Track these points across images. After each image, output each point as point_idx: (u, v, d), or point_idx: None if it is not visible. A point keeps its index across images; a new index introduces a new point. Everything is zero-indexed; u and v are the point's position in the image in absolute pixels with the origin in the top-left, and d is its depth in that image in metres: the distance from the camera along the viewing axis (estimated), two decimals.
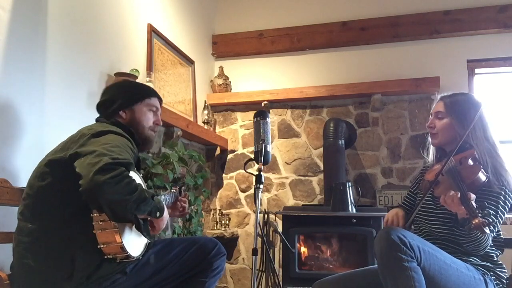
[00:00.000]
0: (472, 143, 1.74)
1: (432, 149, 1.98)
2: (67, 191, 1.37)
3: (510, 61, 3.54)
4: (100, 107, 1.77)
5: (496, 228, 1.68)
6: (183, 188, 1.98)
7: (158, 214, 1.42)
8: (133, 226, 1.43)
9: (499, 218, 1.65)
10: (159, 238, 2.49)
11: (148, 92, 1.82)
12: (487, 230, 1.43)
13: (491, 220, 1.48)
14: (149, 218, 1.49)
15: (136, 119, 1.74)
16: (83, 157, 1.33)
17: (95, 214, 1.34)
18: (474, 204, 1.49)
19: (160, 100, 1.86)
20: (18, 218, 1.47)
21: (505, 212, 1.68)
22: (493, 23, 3.52)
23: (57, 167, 1.44)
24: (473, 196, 1.52)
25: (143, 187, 1.56)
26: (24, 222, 1.43)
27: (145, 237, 1.46)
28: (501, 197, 1.67)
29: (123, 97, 1.75)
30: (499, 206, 1.66)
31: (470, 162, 1.69)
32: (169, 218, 1.73)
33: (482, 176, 1.62)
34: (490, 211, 1.57)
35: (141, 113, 1.75)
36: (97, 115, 1.78)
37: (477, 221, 1.43)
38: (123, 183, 1.28)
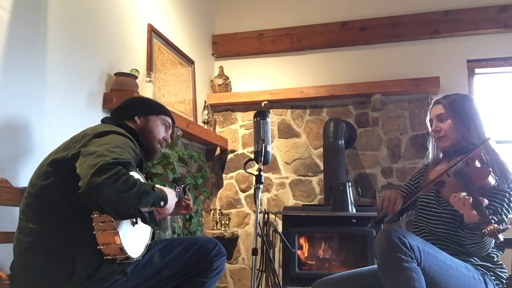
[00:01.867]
0: (476, 143, 1.73)
1: (431, 147, 1.97)
2: (69, 191, 1.36)
3: (510, 61, 3.54)
4: (116, 110, 1.85)
5: (505, 222, 1.67)
6: (187, 187, 1.99)
7: (162, 203, 1.44)
8: (133, 226, 1.43)
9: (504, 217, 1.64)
10: (159, 238, 2.50)
11: (166, 111, 1.91)
12: (501, 237, 1.41)
13: (504, 227, 1.45)
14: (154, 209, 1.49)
15: (149, 127, 1.80)
16: (83, 158, 1.33)
17: (95, 215, 1.34)
18: (487, 210, 1.47)
19: (173, 123, 1.95)
20: (19, 217, 1.47)
21: (508, 214, 1.67)
22: (493, 23, 3.52)
23: (60, 167, 1.44)
24: (486, 201, 1.51)
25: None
26: (25, 222, 1.43)
27: (153, 228, 1.45)
28: (506, 198, 1.67)
29: (142, 106, 1.85)
30: (504, 208, 1.65)
31: (478, 164, 1.66)
32: (169, 217, 1.74)
33: (491, 180, 1.60)
34: (504, 217, 1.56)
35: (155, 124, 1.82)
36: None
37: (491, 227, 1.41)
38: (120, 181, 1.28)
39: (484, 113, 1.83)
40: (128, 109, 1.83)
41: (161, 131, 1.84)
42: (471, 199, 1.51)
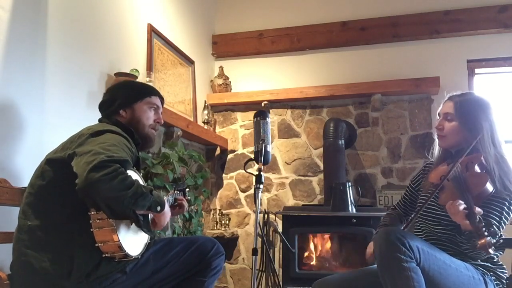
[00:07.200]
0: (479, 148, 1.70)
1: (437, 147, 1.95)
2: (67, 190, 1.37)
3: (510, 61, 3.54)
4: (101, 107, 1.78)
5: (498, 235, 1.65)
6: (187, 189, 1.98)
7: (159, 208, 1.42)
8: (132, 225, 1.43)
9: (502, 224, 1.63)
10: (159, 237, 2.50)
11: (148, 91, 1.82)
12: (491, 251, 1.39)
13: (496, 241, 1.43)
14: (150, 215, 1.49)
15: (136, 117, 1.74)
16: (79, 157, 1.34)
17: (92, 213, 1.34)
18: (482, 220, 1.45)
19: (162, 99, 1.86)
20: (19, 217, 1.48)
21: (508, 219, 1.65)
22: (493, 23, 3.52)
23: (57, 167, 1.45)
24: (478, 210, 1.49)
25: (141, 183, 1.55)
26: (24, 220, 1.44)
27: (146, 233, 1.45)
28: (506, 203, 1.65)
29: (123, 96, 1.75)
30: (503, 213, 1.64)
31: (477, 169, 1.63)
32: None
33: (489, 187, 1.58)
34: (494, 221, 1.55)
35: (141, 111, 1.75)
36: (98, 114, 1.78)
37: (483, 241, 1.39)
38: (118, 179, 1.28)
39: (498, 120, 1.79)
40: (111, 103, 1.73)
41: (150, 116, 1.77)
42: (465, 209, 1.49)
